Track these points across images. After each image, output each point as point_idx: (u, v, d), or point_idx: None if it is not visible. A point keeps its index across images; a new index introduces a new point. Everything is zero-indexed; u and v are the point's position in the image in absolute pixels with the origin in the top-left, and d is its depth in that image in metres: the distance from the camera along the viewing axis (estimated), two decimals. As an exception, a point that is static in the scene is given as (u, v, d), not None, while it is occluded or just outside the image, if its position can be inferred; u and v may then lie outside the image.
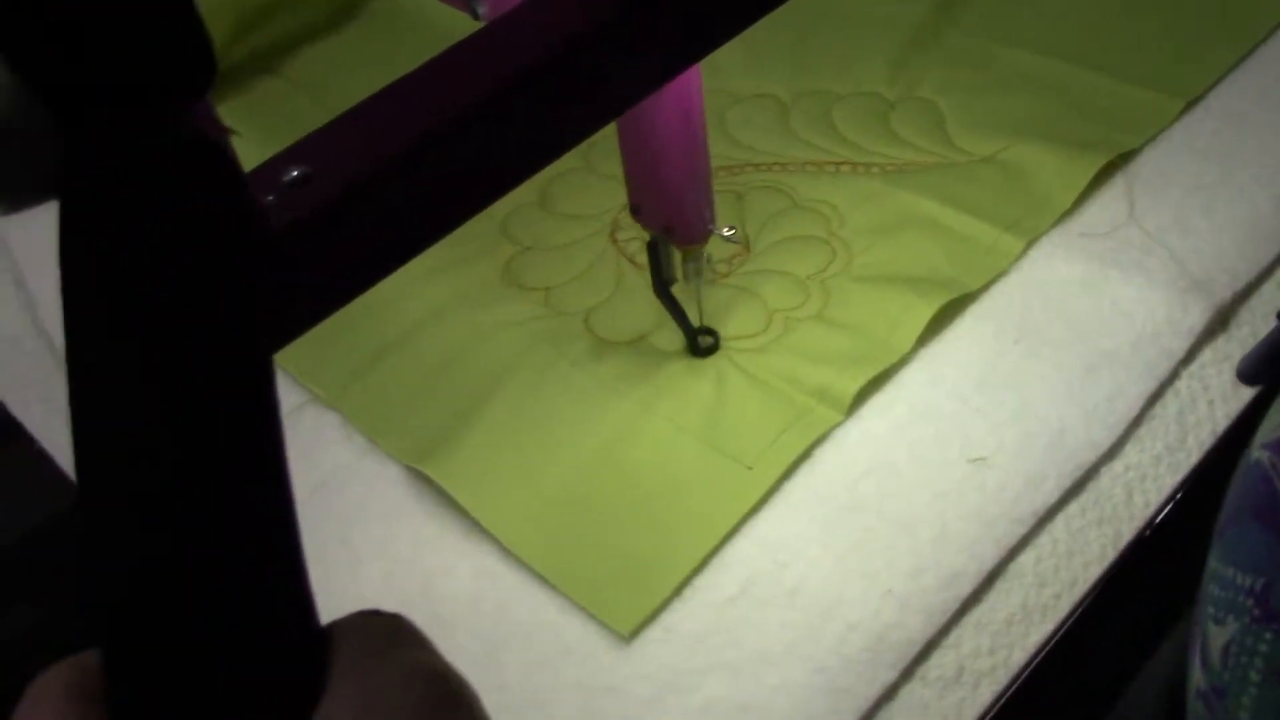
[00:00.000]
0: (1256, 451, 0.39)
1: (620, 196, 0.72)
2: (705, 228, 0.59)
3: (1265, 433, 0.40)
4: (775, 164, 0.75)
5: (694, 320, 0.63)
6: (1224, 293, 0.63)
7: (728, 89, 0.81)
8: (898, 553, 0.55)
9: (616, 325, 0.66)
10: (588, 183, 0.75)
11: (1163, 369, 0.60)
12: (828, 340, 0.63)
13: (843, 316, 0.64)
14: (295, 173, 0.34)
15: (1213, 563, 0.40)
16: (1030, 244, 0.67)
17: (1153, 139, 0.72)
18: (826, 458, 0.59)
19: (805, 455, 0.58)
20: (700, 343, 0.64)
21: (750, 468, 0.58)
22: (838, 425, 0.59)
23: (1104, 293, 0.64)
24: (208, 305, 0.25)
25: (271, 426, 0.25)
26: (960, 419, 0.59)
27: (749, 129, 0.78)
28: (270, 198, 0.33)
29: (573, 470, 0.59)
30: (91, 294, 0.24)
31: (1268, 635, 0.35)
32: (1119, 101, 0.75)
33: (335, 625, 0.27)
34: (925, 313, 0.63)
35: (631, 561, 0.56)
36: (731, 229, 0.60)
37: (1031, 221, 0.68)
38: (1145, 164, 0.71)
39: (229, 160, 0.26)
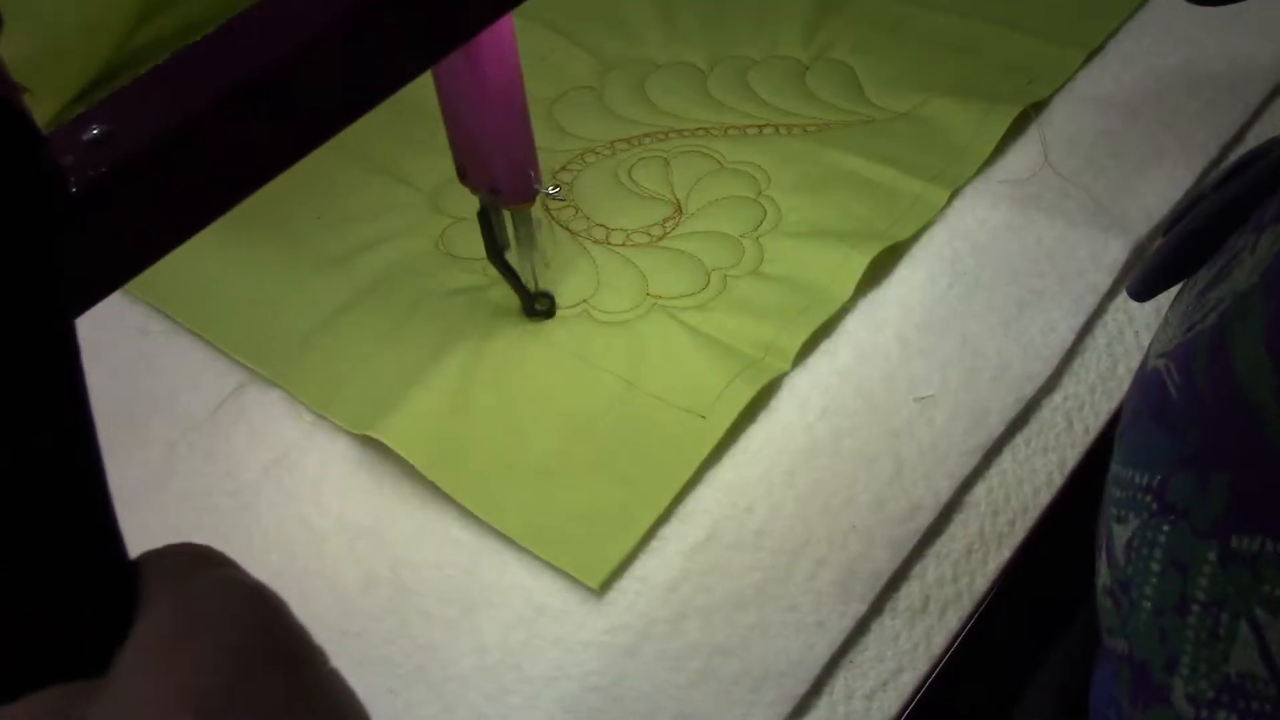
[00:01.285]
0: (1153, 360, 0.40)
1: (549, 164, 0.72)
2: (531, 187, 0.60)
3: (1161, 343, 0.41)
4: (699, 129, 0.76)
5: (529, 284, 0.63)
6: (1141, 228, 0.66)
7: (646, 57, 0.82)
8: (857, 489, 0.56)
9: (558, 291, 0.66)
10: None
11: (1090, 303, 0.63)
12: (767, 295, 0.64)
13: (779, 271, 0.66)
14: (96, 130, 0.33)
15: (1114, 467, 0.42)
16: (954, 194, 0.69)
17: (1059, 88, 0.75)
18: (780, 406, 0.60)
19: (759, 403, 0.59)
20: (537, 306, 0.64)
21: (703, 417, 0.59)
22: (786, 374, 0.61)
23: (1028, 235, 0.66)
24: (2, 269, 0.24)
25: (75, 384, 0.26)
26: (904, 360, 0.61)
27: (670, 95, 0.79)
28: (70, 158, 0.33)
29: (527, 430, 0.59)
30: None
31: (1165, 527, 0.36)
32: (1025, 54, 0.77)
33: (141, 557, 0.27)
34: (861, 262, 0.64)
35: (595, 516, 0.56)
36: (556, 187, 0.62)
37: (954, 172, 0.70)
38: (1055, 112, 0.73)
39: (23, 118, 0.25)
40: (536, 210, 0.62)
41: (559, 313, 0.65)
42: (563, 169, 0.74)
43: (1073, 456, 0.58)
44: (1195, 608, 0.35)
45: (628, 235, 0.69)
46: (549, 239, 0.63)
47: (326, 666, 0.26)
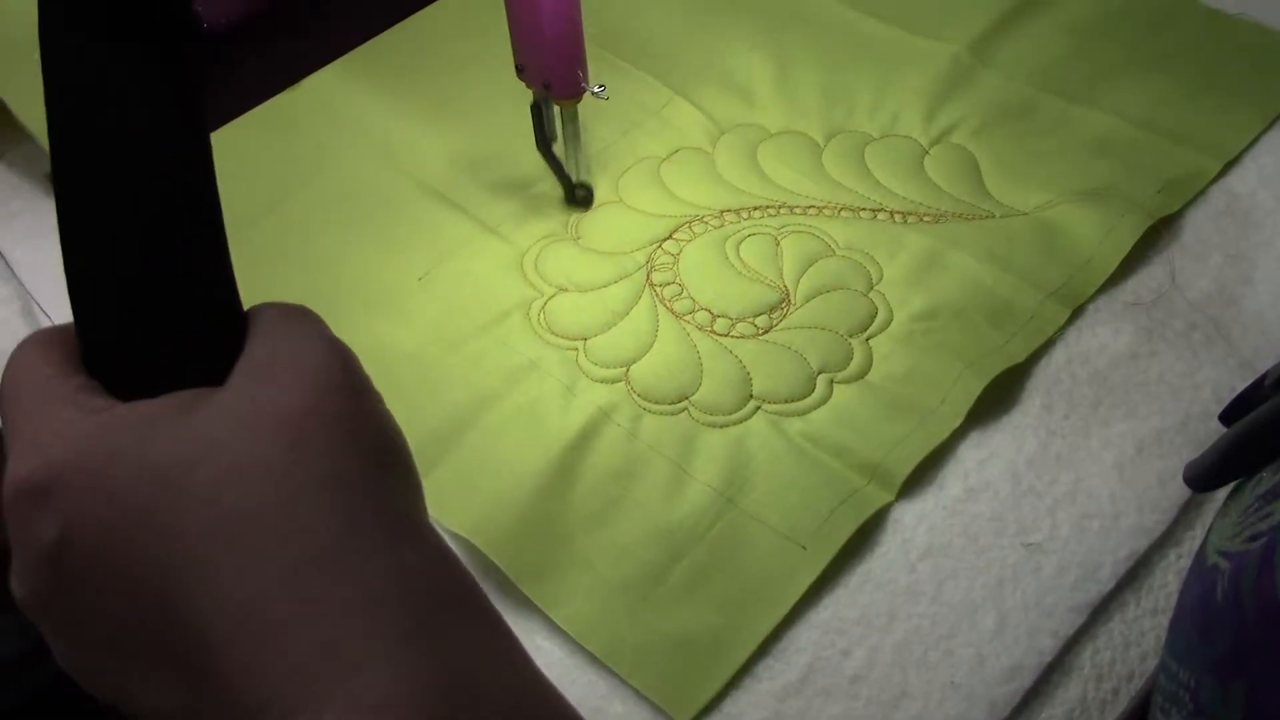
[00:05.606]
0: (1212, 555, 0.40)
1: (655, 230, 0.71)
2: (579, 85, 0.67)
3: (1219, 537, 0.41)
4: (810, 206, 0.74)
5: (572, 174, 0.72)
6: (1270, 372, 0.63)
7: (759, 123, 0.79)
8: (958, 642, 0.54)
9: (659, 386, 0.64)
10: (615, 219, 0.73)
11: (1211, 451, 0.60)
12: (874, 409, 0.62)
13: (888, 383, 0.64)
14: None
15: (1164, 655, 0.42)
16: (1076, 311, 0.66)
17: (1191, 201, 0.72)
18: (883, 539, 0.58)
19: (859, 535, 0.58)
20: (576, 194, 0.73)
21: (804, 547, 0.57)
22: (890, 504, 0.59)
23: (1151, 367, 0.64)
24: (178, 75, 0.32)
25: (211, 170, 0.33)
26: (1014, 499, 0.59)
27: (782, 167, 0.76)
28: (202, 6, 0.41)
29: (623, 543, 0.58)
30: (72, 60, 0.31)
31: None
32: (1157, 158, 0.74)
33: (255, 307, 0.34)
34: (975, 386, 0.62)
35: (689, 644, 0.55)
36: (601, 86, 0.68)
37: (1076, 286, 0.67)
38: (1185, 227, 0.71)
39: None
40: (582, 108, 0.69)
41: (660, 414, 0.63)
42: (669, 237, 0.72)
43: (1183, 622, 0.56)
44: None
45: (732, 324, 0.67)
46: (589, 136, 0.72)
47: (381, 405, 0.33)
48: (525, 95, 0.71)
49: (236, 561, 0.28)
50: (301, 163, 0.77)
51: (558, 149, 0.72)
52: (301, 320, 0.33)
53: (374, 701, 0.27)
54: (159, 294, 0.32)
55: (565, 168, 0.72)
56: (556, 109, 0.70)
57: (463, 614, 0.31)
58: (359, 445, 0.31)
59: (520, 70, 0.69)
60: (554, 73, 0.67)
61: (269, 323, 0.33)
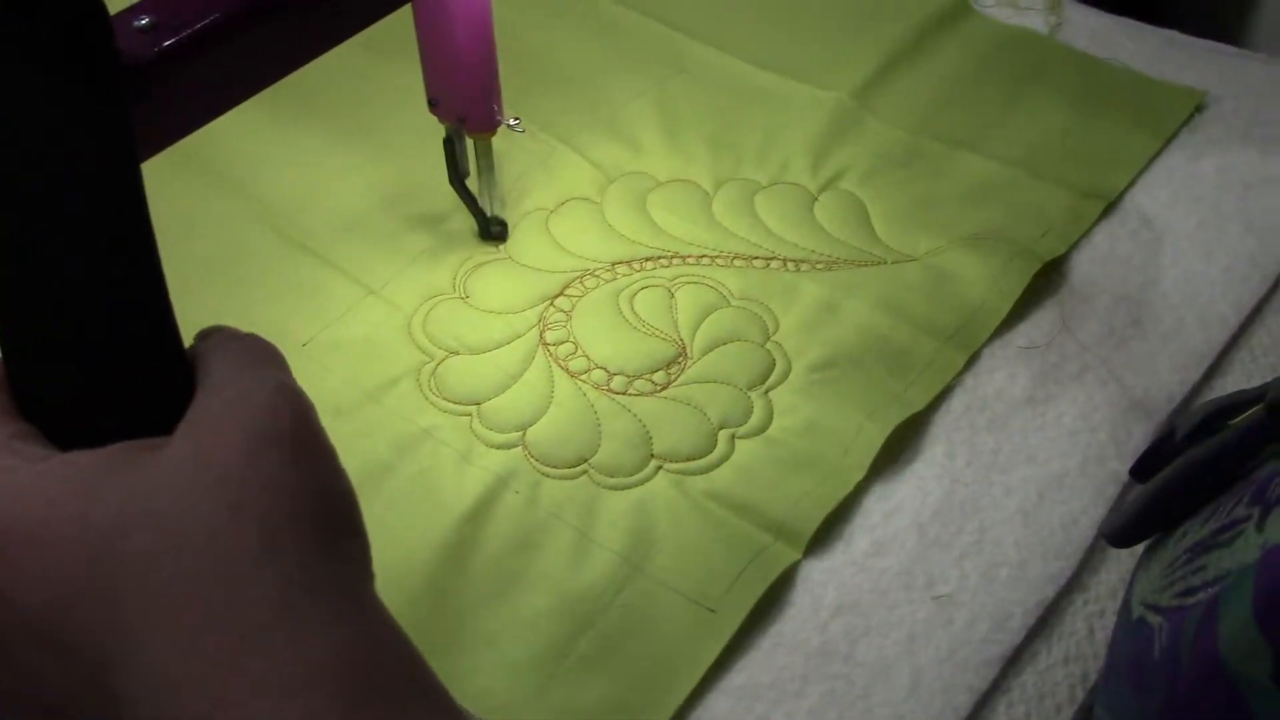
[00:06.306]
0: (1139, 608, 0.41)
1: (547, 286, 0.69)
2: (495, 118, 0.67)
3: (1145, 590, 0.41)
4: (703, 255, 0.73)
5: (486, 209, 0.72)
6: (1162, 413, 0.64)
7: (647, 172, 0.78)
8: (874, 701, 0.53)
9: (557, 449, 0.62)
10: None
11: (1111, 494, 0.61)
12: (777, 465, 0.61)
13: (790, 437, 0.63)
14: (145, 20, 0.41)
15: (1098, 709, 0.43)
16: (972, 357, 0.66)
17: (1076, 244, 0.73)
18: (792, 598, 0.57)
19: (769, 595, 0.56)
20: (491, 229, 0.72)
21: (713, 611, 0.56)
22: (798, 562, 0.58)
23: (1048, 411, 0.64)
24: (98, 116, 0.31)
25: (144, 215, 0.33)
26: (921, 551, 0.58)
27: (672, 215, 0.75)
28: (123, 42, 0.39)
29: (526, 617, 0.55)
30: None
31: None
32: (1040, 201, 0.75)
33: (211, 342, 0.33)
34: (877, 437, 0.62)
35: (599, 718, 0.53)
36: (516, 119, 0.68)
37: (970, 332, 0.67)
38: (1072, 270, 0.71)
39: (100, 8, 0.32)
40: (496, 143, 0.69)
41: (560, 478, 0.61)
42: (561, 293, 0.70)
43: (1094, 668, 0.55)
44: None
45: (630, 381, 0.66)
46: (502, 172, 0.72)
47: (330, 460, 0.32)
48: (426, 132, 0.70)
49: (169, 638, 0.27)
50: (174, 225, 0.74)
51: (471, 184, 0.71)
52: (256, 365, 0.32)
53: None
54: (98, 336, 0.31)
55: (480, 203, 0.72)
56: (470, 143, 0.69)
57: (407, 691, 0.29)
58: (301, 510, 0.30)
59: (433, 104, 0.68)
60: (469, 106, 0.66)
61: (221, 368, 0.32)
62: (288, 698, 0.27)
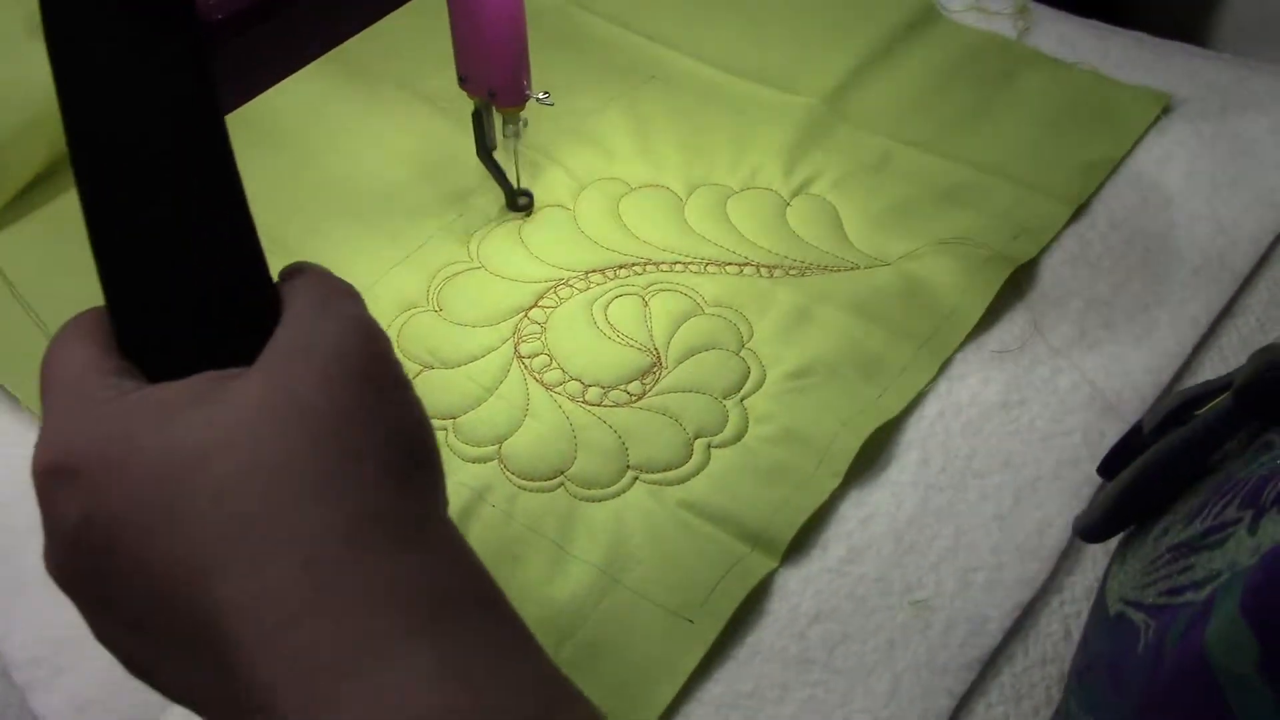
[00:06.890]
0: (1118, 604, 0.41)
1: (521, 296, 0.69)
2: (524, 92, 0.69)
3: (1124, 586, 0.41)
4: (676, 262, 0.73)
5: (514, 181, 0.74)
6: (1135, 415, 0.64)
7: (620, 177, 0.78)
8: (854, 708, 0.54)
9: (533, 462, 0.62)
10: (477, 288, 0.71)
11: (1085, 496, 0.61)
12: (753, 473, 0.61)
13: (765, 445, 0.63)
14: None
15: (1072, 705, 0.42)
16: (945, 362, 0.67)
17: (1047, 247, 0.73)
18: (770, 607, 0.57)
19: (747, 604, 0.56)
20: (518, 202, 0.75)
21: (692, 621, 0.56)
22: (775, 570, 0.58)
23: (1021, 416, 0.64)
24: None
25: (230, 158, 0.33)
26: (897, 557, 0.59)
27: (644, 221, 0.76)
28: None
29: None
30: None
31: None
32: (1010, 205, 0.75)
33: (294, 279, 0.34)
34: (852, 444, 0.62)
35: (578, 732, 0.52)
36: (545, 93, 0.69)
37: (942, 337, 0.68)
38: (1043, 274, 0.72)
39: None
40: (525, 114, 0.71)
41: (536, 491, 0.61)
42: (535, 305, 0.70)
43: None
44: None
45: (605, 392, 0.66)
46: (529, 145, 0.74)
47: (408, 394, 0.32)
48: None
49: (244, 560, 0.28)
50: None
51: (499, 156, 0.73)
52: (336, 300, 0.33)
53: (381, 700, 0.27)
54: (186, 273, 0.32)
55: (507, 174, 0.74)
56: (498, 116, 0.71)
57: (473, 610, 0.30)
58: (377, 442, 0.30)
59: (463, 80, 0.70)
60: (499, 81, 0.68)
61: (303, 303, 0.33)
62: (348, 618, 0.28)
